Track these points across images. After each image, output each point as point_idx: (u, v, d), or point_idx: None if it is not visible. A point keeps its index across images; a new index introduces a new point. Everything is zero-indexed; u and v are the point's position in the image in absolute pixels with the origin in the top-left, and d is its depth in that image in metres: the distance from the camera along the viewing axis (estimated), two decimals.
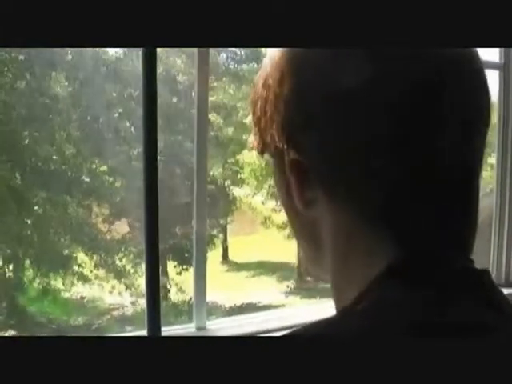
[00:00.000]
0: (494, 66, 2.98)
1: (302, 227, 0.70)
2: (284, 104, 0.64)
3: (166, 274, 7.25)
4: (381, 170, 0.61)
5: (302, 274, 9.36)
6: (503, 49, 2.95)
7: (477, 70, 0.64)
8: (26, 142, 6.13)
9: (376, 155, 0.60)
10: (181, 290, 7.39)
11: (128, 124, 6.88)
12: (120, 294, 6.90)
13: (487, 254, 3.05)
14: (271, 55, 0.69)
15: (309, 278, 9.23)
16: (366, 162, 0.61)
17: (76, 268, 6.65)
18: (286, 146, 0.65)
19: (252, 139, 0.72)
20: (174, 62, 7.20)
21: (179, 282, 7.36)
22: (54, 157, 6.36)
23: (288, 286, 9.39)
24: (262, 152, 0.72)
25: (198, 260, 2.17)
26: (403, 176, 0.61)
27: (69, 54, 6.35)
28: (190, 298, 6.26)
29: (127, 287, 6.86)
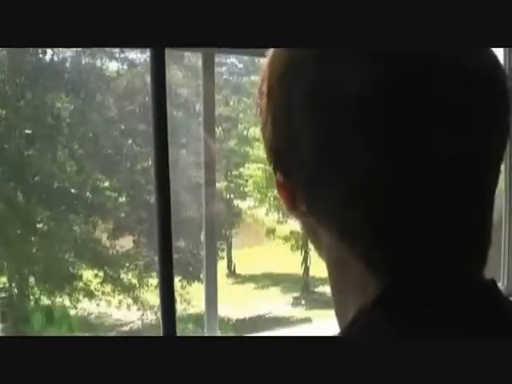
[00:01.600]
0: None
1: (304, 229, 0.70)
2: (269, 123, 0.63)
3: None
4: (371, 196, 0.59)
5: (308, 284, 9.36)
6: (508, 53, 2.93)
7: (488, 58, 0.62)
8: (29, 159, 6.14)
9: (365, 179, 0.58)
10: (187, 303, 7.38)
11: (130, 141, 6.89)
12: (128, 307, 6.89)
13: (497, 262, 3.01)
14: (262, 67, 0.68)
15: (315, 289, 9.23)
16: (355, 188, 0.59)
17: (82, 284, 6.65)
18: (272, 166, 0.64)
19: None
20: (176, 74, 7.21)
21: (185, 295, 7.35)
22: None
23: (294, 298, 9.38)
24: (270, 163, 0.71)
25: (208, 273, 2.16)
26: (394, 200, 0.59)
27: (68, 71, 6.38)
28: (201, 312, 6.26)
29: (134, 301, 6.85)
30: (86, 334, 6.72)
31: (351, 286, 0.64)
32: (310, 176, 0.61)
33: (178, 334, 1.76)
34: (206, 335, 2.19)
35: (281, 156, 0.63)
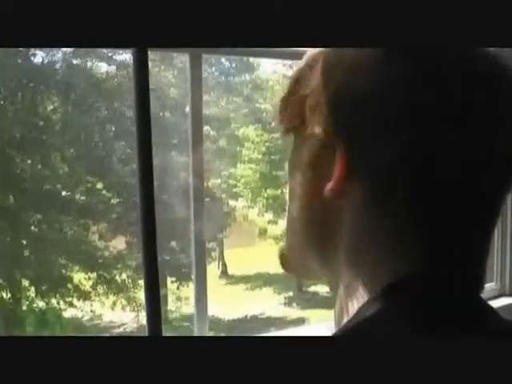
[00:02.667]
0: None
1: (319, 215, 0.69)
2: (348, 94, 0.63)
3: (164, 287, 7.22)
4: (436, 179, 0.60)
5: (301, 284, 9.35)
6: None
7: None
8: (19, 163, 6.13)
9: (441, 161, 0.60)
10: (180, 302, 7.39)
11: (123, 142, 6.88)
12: (123, 308, 6.88)
13: (490, 263, 3.03)
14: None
15: (307, 289, 9.22)
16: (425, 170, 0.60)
17: (74, 286, 6.63)
18: (341, 132, 0.64)
19: (280, 117, 0.71)
20: (166, 76, 7.21)
21: (179, 296, 7.35)
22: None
23: (286, 298, 9.39)
24: (287, 131, 0.71)
25: (198, 273, 2.16)
26: (450, 192, 0.61)
27: (59, 73, 6.36)
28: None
29: (128, 302, 6.84)
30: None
31: (372, 264, 0.65)
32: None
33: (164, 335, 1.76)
34: (194, 335, 2.19)
35: (357, 128, 0.63)
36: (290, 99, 0.70)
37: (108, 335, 6.85)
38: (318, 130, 0.67)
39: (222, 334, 6.49)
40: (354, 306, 0.65)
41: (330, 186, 0.64)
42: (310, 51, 0.71)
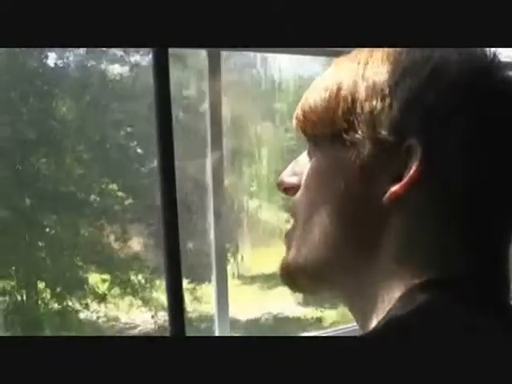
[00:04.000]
0: None
1: (366, 221, 0.68)
2: (421, 91, 0.63)
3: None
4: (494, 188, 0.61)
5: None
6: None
7: None
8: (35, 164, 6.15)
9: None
10: (199, 303, 7.39)
11: (136, 142, 6.89)
12: (139, 308, 6.90)
13: None
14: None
15: None
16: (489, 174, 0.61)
17: (91, 288, 6.65)
18: (414, 134, 0.63)
19: (307, 127, 0.69)
20: (180, 76, 7.20)
21: (197, 296, 7.35)
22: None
23: (303, 297, 9.38)
24: (315, 137, 0.69)
25: (218, 275, 2.15)
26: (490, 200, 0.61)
27: (73, 75, 6.38)
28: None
29: (144, 302, 6.86)
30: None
31: (413, 268, 0.64)
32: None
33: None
34: (216, 335, 2.18)
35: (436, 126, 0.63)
36: (326, 105, 0.68)
37: (127, 335, 6.86)
38: (385, 134, 0.65)
39: (239, 334, 6.48)
40: (384, 309, 0.63)
41: (395, 189, 0.63)
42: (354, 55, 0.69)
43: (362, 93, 0.67)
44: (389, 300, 0.65)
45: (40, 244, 6.53)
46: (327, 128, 0.71)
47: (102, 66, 6.66)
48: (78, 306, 6.68)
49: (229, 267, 9.06)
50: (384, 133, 0.66)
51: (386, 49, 0.67)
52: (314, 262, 0.76)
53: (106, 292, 6.77)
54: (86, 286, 6.65)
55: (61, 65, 6.41)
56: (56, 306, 6.60)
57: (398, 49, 0.66)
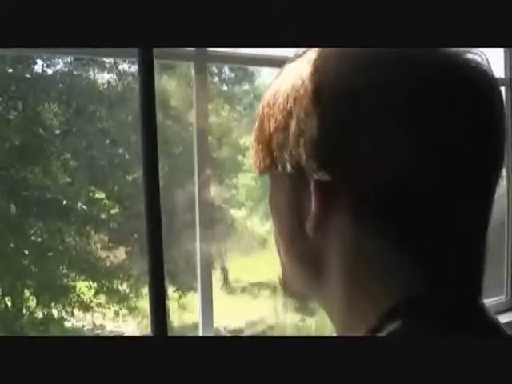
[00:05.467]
0: (500, 81, 2.98)
1: (305, 252, 0.67)
2: (319, 118, 0.61)
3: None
4: (424, 195, 0.58)
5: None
6: (508, 64, 2.93)
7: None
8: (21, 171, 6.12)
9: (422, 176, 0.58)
10: (183, 311, 7.36)
11: (121, 150, 6.87)
12: (124, 318, 6.87)
13: (499, 277, 2.97)
14: (293, 70, 0.66)
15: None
16: (408, 185, 0.58)
17: (76, 296, 6.61)
18: (314, 166, 0.61)
19: (253, 158, 0.69)
20: (167, 85, 7.20)
21: (181, 305, 7.32)
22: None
23: (289, 307, 9.34)
24: (262, 171, 0.69)
25: (203, 283, 2.16)
26: (440, 207, 0.59)
27: (60, 82, 6.36)
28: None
29: (130, 311, 6.82)
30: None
31: (372, 289, 0.63)
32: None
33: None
34: (199, 335, 2.18)
35: (332, 152, 0.61)
36: (257, 138, 0.68)
37: (114, 335, 6.82)
38: (288, 166, 0.65)
39: None
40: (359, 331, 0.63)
41: (310, 225, 0.62)
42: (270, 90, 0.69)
43: (271, 127, 0.67)
44: (356, 328, 0.65)
45: (25, 251, 6.50)
46: (261, 162, 0.72)
47: (90, 74, 6.65)
48: (63, 314, 6.64)
49: (214, 276, 9.04)
50: (288, 167, 0.66)
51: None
52: (286, 280, 0.77)
53: (92, 300, 6.74)
54: (70, 294, 6.62)
55: (49, 72, 6.40)
56: (40, 313, 6.56)
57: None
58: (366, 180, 0.60)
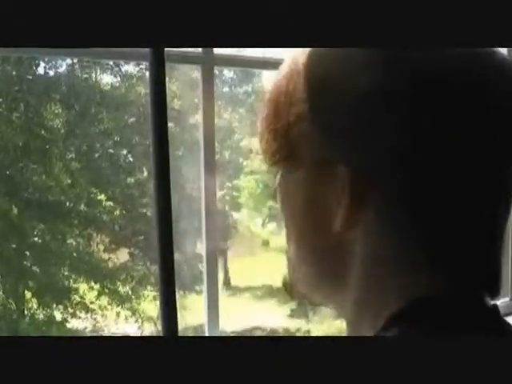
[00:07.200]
0: None
1: (324, 248, 0.65)
2: (348, 110, 0.58)
3: None
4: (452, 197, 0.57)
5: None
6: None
7: None
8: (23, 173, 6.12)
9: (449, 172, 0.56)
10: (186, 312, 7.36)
11: (125, 152, 6.88)
12: (126, 319, 6.86)
13: (504, 279, 2.97)
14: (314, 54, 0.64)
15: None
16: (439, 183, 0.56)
17: (78, 298, 6.61)
18: (340, 159, 0.59)
19: (265, 148, 0.66)
20: (169, 87, 7.21)
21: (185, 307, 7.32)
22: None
23: (291, 310, 9.35)
24: (276, 163, 0.66)
25: (209, 285, 2.15)
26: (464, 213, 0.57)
27: (63, 84, 6.37)
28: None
29: (132, 313, 6.82)
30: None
31: (390, 290, 0.61)
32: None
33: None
34: (207, 335, 2.18)
35: (361, 144, 0.58)
36: (272, 127, 0.65)
37: (123, 335, 6.81)
38: (312, 159, 0.62)
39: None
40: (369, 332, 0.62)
41: (339, 220, 0.60)
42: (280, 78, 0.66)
43: (289, 116, 0.64)
44: (367, 329, 0.63)
45: (27, 253, 6.50)
46: (274, 154, 0.68)
47: (93, 76, 6.66)
48: (64, 315, 6.63)
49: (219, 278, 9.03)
50: (312, 159, 0.63)
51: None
52: (295, 283, 0.74)
53: (94, 302, 6.74)
54: (72, 296, 6.62)
55: (51, 73, 6.41)
56: (43, 315, 6.55)
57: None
58: (395, 177, 0.59)
